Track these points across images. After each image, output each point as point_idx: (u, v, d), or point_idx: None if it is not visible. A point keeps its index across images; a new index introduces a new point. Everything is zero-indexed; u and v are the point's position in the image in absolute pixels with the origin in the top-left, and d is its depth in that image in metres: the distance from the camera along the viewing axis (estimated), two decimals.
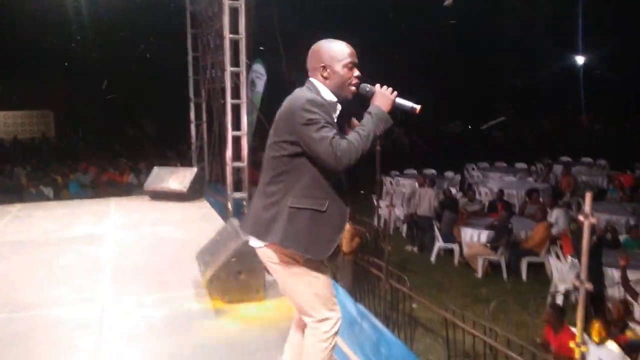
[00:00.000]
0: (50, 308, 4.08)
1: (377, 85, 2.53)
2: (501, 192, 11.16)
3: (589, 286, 4.08)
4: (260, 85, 9.44)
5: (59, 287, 4.49)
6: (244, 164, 7.54)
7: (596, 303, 6.61)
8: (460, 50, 24.09)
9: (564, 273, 7.63)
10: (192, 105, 9.98)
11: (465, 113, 25.44)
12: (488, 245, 8.92)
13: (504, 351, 4.63)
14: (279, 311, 4.05)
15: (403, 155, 18.41)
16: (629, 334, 5.41)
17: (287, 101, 2.47)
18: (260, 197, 2.53)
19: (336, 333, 2.57)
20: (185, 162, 11.87)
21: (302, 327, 2.66)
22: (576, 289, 4.62)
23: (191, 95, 9.90)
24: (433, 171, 14.24)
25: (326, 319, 2.52)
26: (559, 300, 7.29)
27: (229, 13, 7.12)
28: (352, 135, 2.37)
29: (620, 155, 15.98)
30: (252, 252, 4.09)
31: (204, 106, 9.80)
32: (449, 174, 14.25)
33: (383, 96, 2.49)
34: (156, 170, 8.34)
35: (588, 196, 4.18)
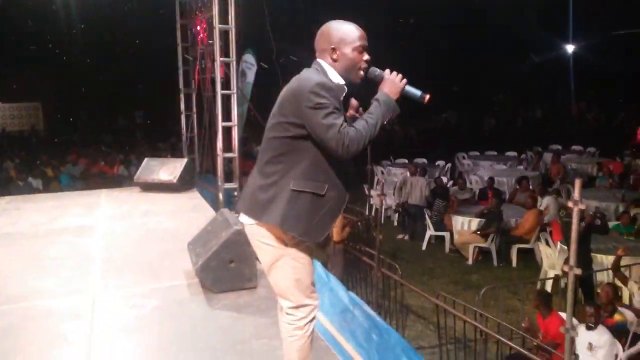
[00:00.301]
0: (41, 300, 4.06)
1: (387, 71, 2.49)
2: (491, 180, 11.22)
3: (577, 271, 4.13)
4: (250, 76, 9.40)
5: (49, 279, 4.46)
6: (234, 154, 7.53)
7: (585, 288, 6.69)
8: (452, 39, 24.10)
9: (554, 259, 7.70)
10: (182, 96, 9.93)
11: (458, 103, 25.46)
12: (479, 232, 8.98)
13: (494, 336, 4.68)
14: (272, 299, 4.05)
15: (395, 144, 18.46)
16: (617, 317, 5.47)
17: (295, 81, 2.42)
18: (258, 176, 2.50)
19: (312, 320, 2.58)
20: (176, 153, 11.84)
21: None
22: (565, 273, 4.67)
23: (181, 86, 9.84)
24: (424, 160, 14.28)
25: (303, 305, 2.53)
26: (548, 286, 7.37)
27: (218, 3, 7.07)
28: (360, 123, 2.34)
29: (610, 143, 16.11)
30: (243, 241, 4.12)
31: (194, 97, 9.76)
32: (440, 162, 14.30)
33: (392, 83, 2.45)
34: (146, 161, 8.29)
35: (577, 183, 4.22)
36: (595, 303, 5.25)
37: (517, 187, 11.00)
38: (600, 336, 4.94)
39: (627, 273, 6.60)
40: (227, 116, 7.36)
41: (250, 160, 13.95)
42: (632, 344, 5.32)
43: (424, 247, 9.75)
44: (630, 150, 14.68)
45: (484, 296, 5.93)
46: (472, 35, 23.55)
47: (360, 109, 2.54)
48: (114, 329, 3.60)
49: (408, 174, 11.21)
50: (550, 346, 5.01)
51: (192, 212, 6.73)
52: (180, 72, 9.77)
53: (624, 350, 5.10)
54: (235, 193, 7.59)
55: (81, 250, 5.26)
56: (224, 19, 7.17)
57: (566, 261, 5.98)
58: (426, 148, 15.96)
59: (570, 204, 4.13)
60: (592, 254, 7.15)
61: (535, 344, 5.01)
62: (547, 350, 4.92)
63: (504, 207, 9.62)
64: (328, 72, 2.46)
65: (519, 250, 8.81)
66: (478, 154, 15.94)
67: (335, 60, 2.46)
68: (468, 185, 11.94)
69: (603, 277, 6.95)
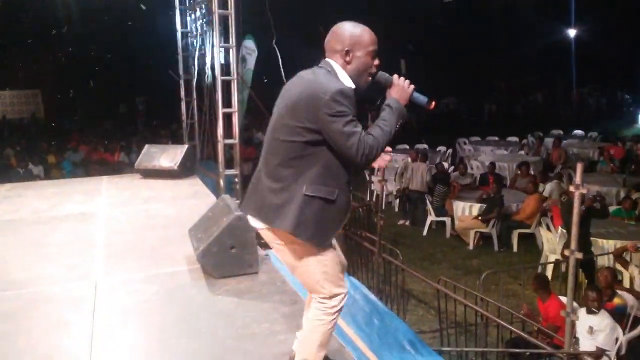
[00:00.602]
0: (43, 285, 4.07)
1: (395, 76, 2.49)
2: (492, 165, 11.20)
3: (579, 255, 4.15)
4: (251, 62, 9.35)
5: (51, 265, 4.48)
6: (235, 141, 7.51)
7: (587, 271, 6.70)
8: (452, 25, 23.96)
9: (554, 244, 7.71)
10: (182, 83, 9.89)
11: (459, 88, 25.37)
12: (480, 218, 8.98)
13: (495, 320, 4.70)
14: (273, 285, 4.07)
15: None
16: (616, 300, 5.49)
17: (309, 85, 2.37)
18: (267, 179, 2.47)
19: (342, 309, 2.59)
20: (177, 140, 11.82)
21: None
22: (563, 257, 4.68)
23: (181, 72, 9.80)
24: (425, 146, 14.26)
25: (335, 295, 2.53)
26: (549, 270, 7.39)
27: None
28: (375, 131, 2.35)
29: (611, 128, 16.07)
30: (244, 227, 4.13)
31: (194, 83, 9.72)
32: (441, 148, 14.28)
33: (401, 89, 2.46)
34: (147, 148, 8.29)
35: (579, 167, 4.22)
36: (597, 287, 5.26)
37: (518, 172, 11.00)
38: (601, 320, 4.96)
39: (628, 257, 6.61)
40: (227, 102, 7.33)
41: (251, 147, 13.98)
42: (632, 327, 5.35)
43: (425, 233, 9.76)
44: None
45: (484, 281, 5.94)
46: (473, 21, 23.41)
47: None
48: (116, 315, 3.62)
49: (409, 159, 11.18)
50: (551, 329, 5.04)
51: (193, 198, 6.73)
52: (180, 58, 9.72)
53: (624, 334, 5.12)
54: (236, 179, 7.59)
55: (83, 237, 5.28)
56: (223, 4, 7.12)
57: (566, 245, 5.99)
58: (427, 134, 15.91)
59: (571, 188, 4.14)
60: (593, 239, 7.16)
61: (535, 328, 5.03)
62: (548, 334, 4.94)
63: (505, 192, 9.62)
64: (339, 74, 2.43)
65: (520, 235, 8.82)
66: (479, 139, 15.92)
67: (347, 63, 2.44)
68: (469, 170, 11.93)
69: (604, 261, 6.97)
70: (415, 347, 3.49)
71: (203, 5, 8.10)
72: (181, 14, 9.51)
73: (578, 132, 16.26)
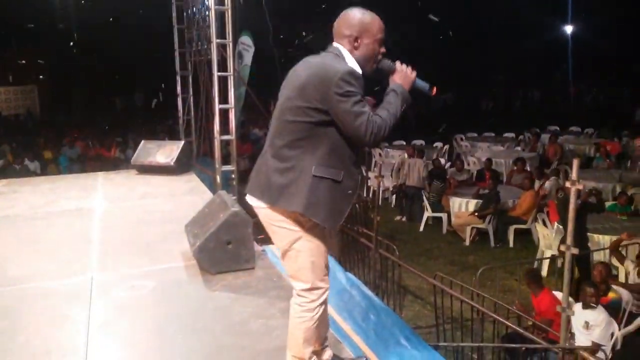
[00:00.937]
0: (39, 281, 4.07)
1: (398, 62, 2.53)
2: (489, 161, 11.23)
3: (575, 251, 4.16)
4: (248, 58, 9.34)
5: (47, 261, 4.48)
6: (232, 137, 7.50)
7: (582, 266, 6.73)
8: (451, 21, 23.92)
9: (551, 240, 7.74)
10: (178, 79, 9.87)
11: (457, 84, 25.35)
12: (476, 214, 9.00)
13: (491, 315, 4.71)
14: (270, 280, 4.08)
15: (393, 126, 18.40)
16: (611, 295, 5.52)
17: (319, 66, 2.41)
18: (273, 159, 2.48)
19: (323, 303, 2.59)
20: (174, 136, 11.79)
21: None
22: (560, 252, 4.69)
23: (177, 68, 9.78)
24: (422, 142, 14.27)
25: (316, 287, 2.54)
26: (545, 266, 7.42)
27: None
28: (383, 112, 2.38)
29: (607, 124, 16.10)
30: (241, 223, 4.13)
31: (190, 79, 9.69)
32: (438, 144, 14.29)
33: (405, 74, 2.51)
34: (143, 144, 8.27)
35: (575, 163, 4.23)
36: (594, 283, 5.28)
37: (514, 168, 11.02)
38: (597, 315, 4.98)
39: (624, 252, 6.63)
40: (224, 98, 7.32)
41: (248, 143, 13.97)
42: (628, 323, 5.37)
43: (421, 229, 9.78)
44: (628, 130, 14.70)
45: (480, 276, 5.96)
46: (470, 17, 23.40)
47: (368, 98, 2.53)
48: (112, 310, 3.62)
49: (406, 155, 11.21)
50: (544, 323, 5.05)
51: (190, 194, 6.73)
52: (177, 54, 9.69)
53: (619, 329, 5.14)
54: (233, 175, 7.58)
55: (79, 233, 5.27)
56: (220, 0, 7.10)
57: (562, 240, 6.00)
58: (424, 129, 15.92)
59: (568, 184, 4.14)
60: (589, 234, 7.18)
61: (530, 323, 5.05)
62: (544, 329, 4.96)
63: (502, 188, 9.64)
64: (347, 59, 2.46)
65: (516, 231, 8.85)
66: (476, 135, 15.93)
67: (355, 48, 2.48)
68: (466, 166, 11.96)
69: (600, 256, 7.00)
70: (412, 342, 3.49)
71: (200, 1, 8.07)
72: (178, 10, 9.47)
73: (574, 128, 16.29)
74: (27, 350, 3.14)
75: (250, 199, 2.59)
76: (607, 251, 6.81)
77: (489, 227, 8.89)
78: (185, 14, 9.24)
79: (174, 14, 9.51)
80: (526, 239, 8.84)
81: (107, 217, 5.84)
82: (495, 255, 8.45)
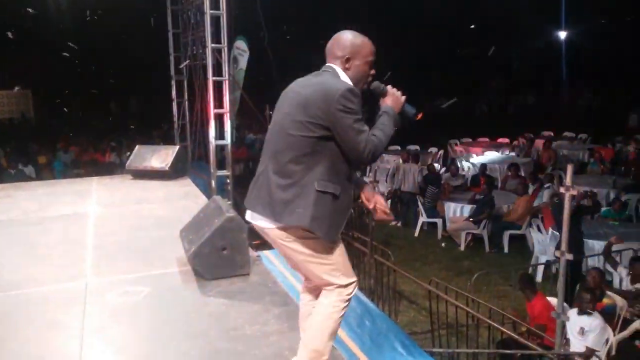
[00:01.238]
0: (33, 287, 4.04)
1: (389, 86, 2.63)
2: (484, 166, 11.25)
3: (569, 256, 4.18)
4: (242, 63, 9.35)
5: (42, 266, 4.45)
6: (227, 142, 7.50)
7: (573, 270, 6.74)
8: (444, 26, 24.03)
9: (545, 245, 7.76)
10: (173, 83, 9.87)
11: (451, 89, 25.43)
12: (471, 219, 9.02)
13: (486, 321, 4.72)
14: (265, 286, 4.07)
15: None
16: (605, 301, 5.53)
17: (321, 84, 2.47)
18: (275, 175, 2.51)
19: (352, 296, 2.65)
20: (168, 141, 11.78)
21: (315, 294, 2.71)
22: (557, 258, 4.71)
23: (172, 72, 9.78)
24: (417, 147, 14.29)
25: (349, 283, 2.60)
26: (540, 271, 7.44)
27: None
28: (378, 132, 2.47)
29: (601, 129, 16.18)
30: (236, 228, 4.12)
31: (185, 83, 9.69)
32: (433, 149, 14.32)
33: (396, 98, 2.61)
34: (138, 149, 8.25)
35: (569, 168, 4.25)
36: (591, 289, 5.30)
37: (509, 173, 11.06)
38: (592, 321, 4.99)
39: (617, 258, 6.65)
40: (219, 103, 7.32)
41: (243, 148, 13.96)
42: (622, 328, 5.38)
43: (416, 234, 9.78)
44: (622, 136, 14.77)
45: (475, 282, 5.97)
46: (464, 22, 23.50)
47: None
48: (106, 316, 3.60)
49: (401, 160, 11.22)
50: (538, 329, 5.06)
51: (184, 199, 6.70)
52: (172, 58, 9.70)
53: (614, 335, 5.15)
54: (228, 180, 7.58)
55: (73, 238, 5.24)
56: (215, 5, 7.11)
57: (558, 246, 6.03)
58: (419, 135, 15.95)
59: (562, 190, 4.17)
60: (584, 238, 7.19)
61: (524, 328, 5.06)
62: (539, 335, 4.97)
63: (496, 193, 9.67)
64: (342, 77, 2.54)
65: (511, 237, 8.86)
66: (470, 140, 15.97)
67: (347, 69, 2.56)
68: (460, 171, 11.98)
69: (594, 262, 7.01)
70: (407, 348, 3.49)
71: (195, 6, 8.08)
72: (173, 15, 9.48)
73: (568, 133, 16.37)
74: (20, 356, 3.12)
75: (251, 216, 2.63)
76: (602, 257, 6.82)
77: (484, 232, 8.91)
78: (180, 18, 9.25)
79: (169, 19, 9.52)
80: (521, 244, 8.86)
81: (102, 222, 5.81)
82: (490, 260, 8.46)
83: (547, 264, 7.39)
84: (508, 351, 4.71)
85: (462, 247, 9.00)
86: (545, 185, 9.83)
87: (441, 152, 14.38)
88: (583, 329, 4.96)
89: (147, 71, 18.65)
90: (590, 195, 8.36)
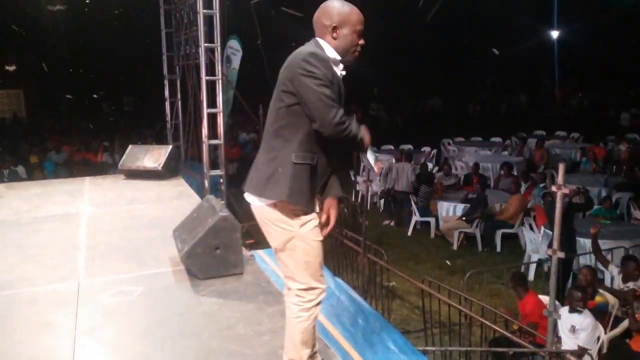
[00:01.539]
0: (25, 287, 4.03)
1: (363, 126, 2.58)
2: (476, 165, 11.28)
3: (561, 255, 4.19)
4: (236, 62, 9.33)
5: (34, 266, 4.44)
6: (220, 141, 7.49)
7: (564, 269, 6.77)
8: (437, 26, 24.05)
9: (537, 244, 7.79)
10: (166, 83, 9.84)
11: (444, 89, 25.47)
12: (464, 218, 9.04)
13: (478, 319, 4.74)
14: (258, 285, 4.07)
15: (381, 131, 18.47)
16: (598, 299, 5.56)
17: (293, 54, 2.48)
18: (262, 152, 2.56)
19: (319, 304, 2.62)
20: (161, 140, 11.75)
21: None
22: (549, 256, 4.74)
23: (165, 72, 9.75)
24: (410, 146, 14.32)
25: (312, 288, 2.57)
26: (532, 270, 7.47)
27: None
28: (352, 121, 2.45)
29: (594, 129, 16.27)
30: (229, 228, 4.12)
31: (178, 83, 9.67)
32: (426, 148, 14.35)
33: (366, 134, 2.53)
34: (130, 148, 8.23)
35: (561, 167, 4.27)
36: (582, 287, 5.32)
37: (502, 172, 11.10)
38: (584, 319, 5.01)
39: (609, 257, 6.68)
40: (212, 103, 7.31)
41: (236, 147, 13.93)
42: (614, 326, 5.41)
43: (409, 233, 9.80)
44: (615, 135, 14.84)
45: (468, 280, 5.98)
46: (457, 22, 23.53)
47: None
48: (99, 316, 3.59)
49: (394, 160, 11.23)
50: (530, 326, 5.08)
51: (177, 199, 6.70)
52: (164, 58, 9.67)
53: (605, 333, 5.18)
54: (221, 180, 7.57)
55: (66, 238, 5.23)
56: (208, 4, 7.10)
57: (550, 244, 6.06)
58: (412, 134, 15.99)
59: (554, 188, 4.18)
60: (577, 236, 7.22)
61: (517, 327, 5.08)
62: (531, 333, 4.99)
63: (489, 192, 9.69)
64: (325, 49, 2.51)
65: (504, 235, 8.89)
66: (463, 139, 16.02)
67: (334, 39, 2.51)
68: (453, 171, 12.01)
69: (586, 260, 7.04)
70: (400, 347, 3.50)
71: (188, 5, 8.06)
72: (166, 14, 9.45)
73: (560, 132, 16.44)
74: (12, 357, 3.11)
75: (246, 196, 2.63)
76: (593, 255, 6.84)
77: (477, 231, 8.94)
78: (173, 17, 9.22)
79: (162, 18, 9.50)
80: (513, 243, 8.89)
81: (94, 222, 5.80)
82: (482, 259, 8.48)
83: (539, 262, 7.41)
84: (500, 349, 4.73)
85: (455, 246, 9.02)
86: (541, 185, 9.87)
87: (434, 151, 14.41)
88: (574, 327, 4.98)
89: (139, 71, 18.59)
90: (583, 193, 8.40)
